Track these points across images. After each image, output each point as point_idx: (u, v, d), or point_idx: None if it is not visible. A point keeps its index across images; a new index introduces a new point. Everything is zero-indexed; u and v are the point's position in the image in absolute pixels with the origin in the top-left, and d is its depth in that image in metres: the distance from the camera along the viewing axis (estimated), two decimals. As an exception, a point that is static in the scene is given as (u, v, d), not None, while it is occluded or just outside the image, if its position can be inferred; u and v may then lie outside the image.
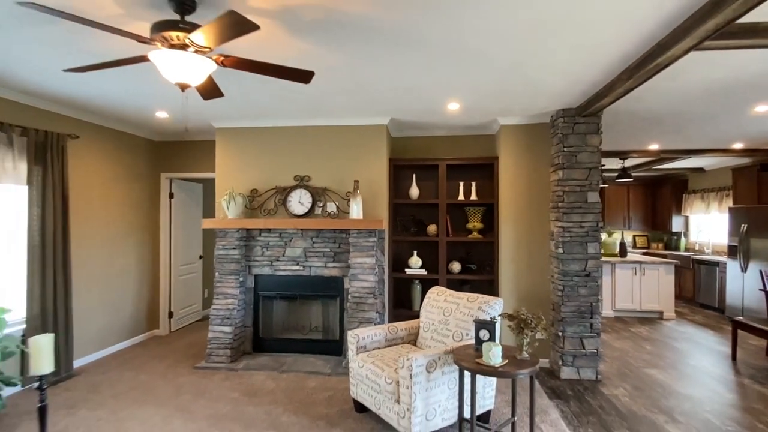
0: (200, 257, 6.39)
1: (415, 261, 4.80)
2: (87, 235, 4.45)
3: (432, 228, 4.84)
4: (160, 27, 1.94)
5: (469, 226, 4.79)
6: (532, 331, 2.57)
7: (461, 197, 4.79)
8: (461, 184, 4.83)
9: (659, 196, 8.96)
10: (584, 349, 3.95)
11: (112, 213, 4.81)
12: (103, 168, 4.68)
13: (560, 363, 3.98)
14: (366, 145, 4.57)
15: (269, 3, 2.09)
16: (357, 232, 4.32)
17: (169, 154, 5.59)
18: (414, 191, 4.83)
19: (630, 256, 7.01)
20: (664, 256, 8.09)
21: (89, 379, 3.95)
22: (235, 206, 4.47)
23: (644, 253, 8.71)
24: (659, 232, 9.28)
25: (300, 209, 4.57)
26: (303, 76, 2.35)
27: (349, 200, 4.49)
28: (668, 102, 3.80)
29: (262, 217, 4.65)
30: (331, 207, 4.55)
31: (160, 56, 1.97)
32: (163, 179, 5.57)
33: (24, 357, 3.65)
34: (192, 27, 1.93)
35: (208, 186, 6.64)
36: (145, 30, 2.36)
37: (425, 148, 5.07)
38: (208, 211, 6.66)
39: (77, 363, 4.30)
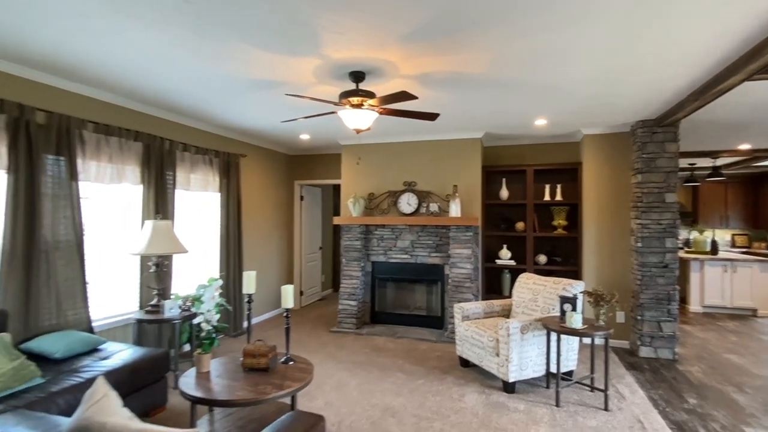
0: (320, 248, 7.76)
1: (505, 253, 5.60)
2: (250, 228, 5.90)
3: (520, 225, 5.60)
4: (347, 94, 3.04)
5: (555, 223, 5.47)
6: (606, 304, 3.30)
7: (547, 198, 5.49)
8: (547, 186, 5.52)
9: (762, 193, 8.67)
10: (662, 331, 4.49)
11: (265, 212, 6.25)
12: (259, 178, 6.12)
13: (638, 343, 4.56)
14: (463, 155, 5.47)
15: (414, 71, 3.10)
16: (456, 228, 5.24)
17: (300, 165, 6.97)
18: (504, 193, 5.63)
19: (722, 254, 7.08)
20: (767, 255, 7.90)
21: (256, 335, 5.34)
22: (358, 207, 5.64)
23: (744, 252, 8.52)
24: (762, 231, 8.95)
25: (408, 209, 5.61)
26: (431, 117, 3.33)
27: (448, 201, 5.42)
28: (745, 113, 4.20)
29: (378, 215, 5.77)
30: (434, 207, 5.52)
31: (346, 113, 3.07)
32: (296, 185, 6.97)
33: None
34: (368, 94, 3.01)
35: (326, 190, 8.00)
36: (328, 90, 3.51)
37: (514, 155, 5.84)
38: (326, 211, 8.01)
39: (245, 324, 5.76)
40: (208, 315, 2.72)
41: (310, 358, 4.42)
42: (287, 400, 3.07)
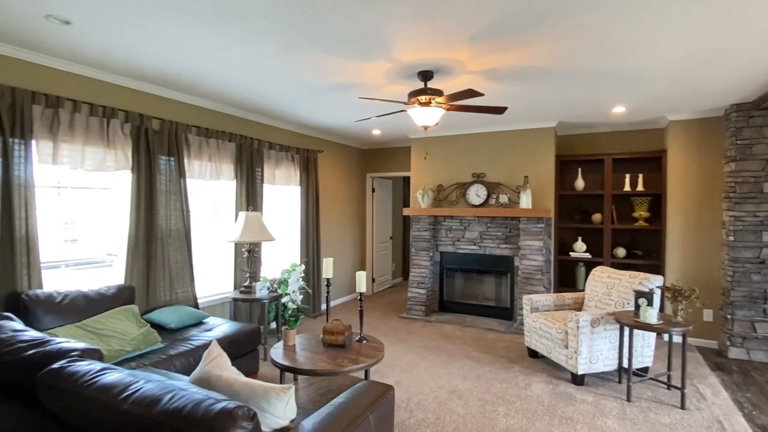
0: (390, 238, 8.05)
1: (580, 246, 5.44)
2: (327, 219, 6.33)
3: (597, 216, 5.40)
4: (416, 93, 3.21)
5: (635, 214, 5.21)
6: (685, 300, 3.17)
7: (627, 188, 5.23)
8: (627, 176, 5.25)
9: None
10: (755, 332, 4.14)
11: (340, 204, 6.65)
12: (335, 172, 6.53)
13: (728, 344, 4.25)
14: (535, 145, 5.39)
15: (481, 67, 3.19)
16: (526, 219, 5.21)
17: (372, 158, 7.28)
18: (579, 183, 5.46)
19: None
20: None
21: (335, 316, 5.77)
22: (427, 198, 5.80)
23: None
24: None
25: (477, 200, 5.66)
26: (499, 111, 3.39)
27: (519, 192, 5.39)
28: None
29: (446, 206, 5.89)
30: (503, 198, 5.52)
31: (415, 111, 3.25)
32: (368, 178, 7.30)
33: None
34: (435, 92, 3.16)
35: (396, 182, 8.26)
36: (398, 90, 3.71)
37: (590, 144, 5.62)
38: (396, 202, 8.28)
39: (322, 307, 6.23)
40: (293, 296, 3.08)
41: (383, 340, 4.72)
42: (361, 375, 3.38)
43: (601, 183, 5.46)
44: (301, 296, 3.77)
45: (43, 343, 1.96)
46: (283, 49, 2.86)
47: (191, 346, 3.14)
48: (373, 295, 7.28)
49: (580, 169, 5.54)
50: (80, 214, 3.42)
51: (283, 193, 5.50)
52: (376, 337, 4.84)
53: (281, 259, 5.42)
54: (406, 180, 8.70)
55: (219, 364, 1.78)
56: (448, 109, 3.35)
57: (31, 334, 2.07)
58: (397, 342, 4.68)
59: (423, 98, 3.19)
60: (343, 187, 6.76)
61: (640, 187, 5.16)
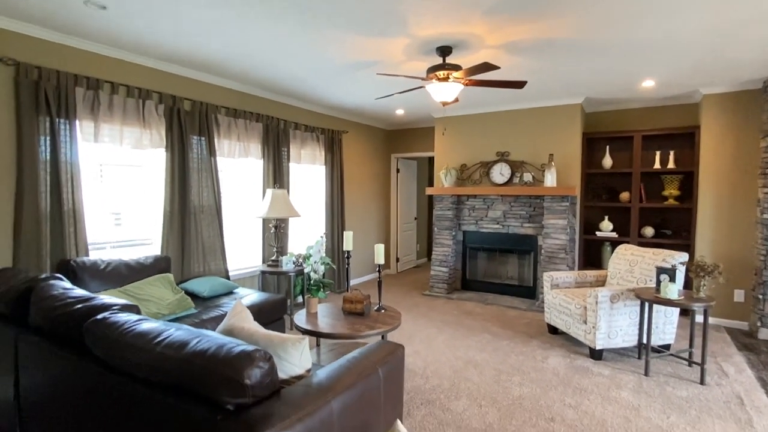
0: (415, 219, 8.13)
1: (606, 225, 5.35)
2: (351, 199, 6.47)
3: (624, 195, 5.28)
4: (434, 69, 3.25)
5: (665, 193, 5.06)
6: (708, 275, 3.12)
7: (657, 166, 5.08)
8: (657, 153, 5.10)
9: None
10: (789, 312, 4.01)
11: (364, 184, 6.77)
12: (359, 152, 6.63)
13: (759, 324, 4.13)
14: (560, 123, 5.30)
15: (498, 41, 3.18)
16: (551, 198, 5.16)
17: (396, 139, 7.33)
18: (607, 161, 5.34)
19: None
20: None
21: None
22: (450, 178, 5.83)
23: None
24: None
25: (500, 179, 5.64)
26: (518, 85, 3.38)
27: (543, 171, 5.33)
28: None
29: (470, 186, 5.90)
30: (527, 177, 5.48)
31: (433, 87, 3.29)
32: (392, 158, 7.37)
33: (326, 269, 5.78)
34: (453, 67, 3.18)
35: (421, 162, 8.29)
36: (417, 66, 3.75)
37: (619, 120, 5.47)
38: (421, 182, 8.33)
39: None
40: (315, 266, 3.23)
41: (404, 315, 4.85)
42: (379, 339, 3.52)
43: (630, 161, 5.33)
44: (324, 268, 3.93)
45: (89, 299, 2.18)
46: (303, 28, 2.95)
47: (222, 312, 3.36)
48: (398, 274, 7.41)
49: (608, 147, 5.41)
50: (120, 193, 3.67)
51: (308, 173, 5.66)
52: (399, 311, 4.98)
53: (308, 236, 5.61)
54: (431, 160, 8.71)
55: (242, 318, 1.95)
56: (466, 84, 3.37)
57: (79, 291, 2.30)
58: (418, 316, 4.80)
59: (441, 73, 3.23)
60: (367, 167, 6.86)
61: (671, 165, 5.01)
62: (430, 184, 8.73)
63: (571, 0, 2.51)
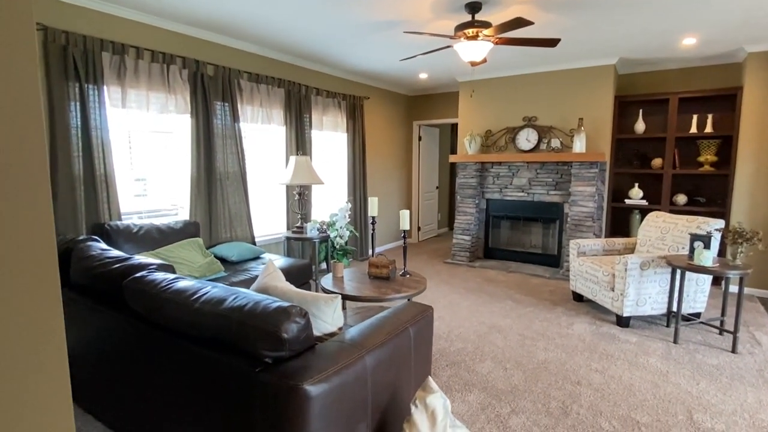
0: (436, 188, 8.06)
1: (636, 192, 5.19)
2: (373, 167, 6.42)
3: (657, 161, 5.09)
4: (462, 27, 3.12)
5: (701, 159, 4.85)
6: (747, 242, 3.01)
7: (693, 130, 4.85)
8: (695, 117, 4.85)
9: None
10: (829, 282, 3.86)
11: (386, 151, 6.70)
12: (381, 119, 6.53)
13: (795, 294, 4.01)
14: (591, 85, 5.07)
15: (531, -4, 3.02)
16: (579, 164, 5.02)
17: (418, 105, 7.18)
18: (640, 126, 5.12)
19: None
20: None
21: (380, 261, 5.99)
22: (474, 144, 5.71)
23: None
24: None
25: (527, 145, 5.50)
26: (551, 43, 3.23)
27: (572, 136, 5.16)
28: None
29: (495, 152, 5.78)
30: (555, 143, 5.32)
31: (461, 46, 3.17)
32: (414, 125, 7.25)
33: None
34: (483, 24, 3.05)
35: (443, 130, 8.14)
36: (445, 25, 3.61)
37: (654, 82, 5.20)
38: (443, 151, 8.20)
39: (369, 252, 6.47)
40: (341, 231, 3.25)
41: (427, 282, 4.86)
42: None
43: (664, 125, 5.10)
44: (349, 234, 3.95)
45: (126, 259, 2.25)
46: (328, -16, 2.85)
47: (251, 275, 3.44)
48: (419, 242, 7.42)
49: (641, 111, 5.18)
50: (147, 159, 3.72)
51: (330, 140, 5.62)
52: (420, 278, 5.01)
53: (330, 202, 5.64)
54: (454, 127, 8.52)
55: (275, 277, 1.98)
56: (496, 43, 3.23)
57: (116, 252, 2.37)
58: (441, 283, 4.83)
59: (470, 31, 3.10)
60: (389, 134, 6.77)
61: (708, 129, 4.77)
62: (453, 152, 8.58)
63: (614, -54, 2.34)
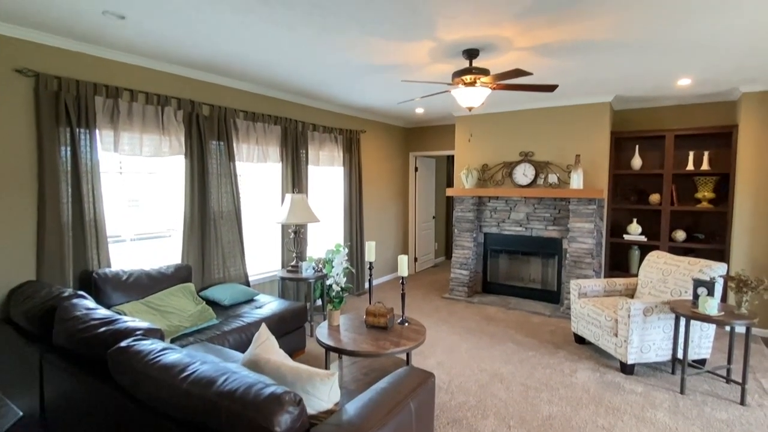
0: (433, 217, 8.01)
1: (635, 228, 5.16)
2: (370, 198, 6.37)
3: (654, 197, 5.07)
4: (460, 73, 3.11)
5: (698, 195, 4.84)
6: (752, 291, 2.95)
7: (690, 167, 4.85)
8: (691, 153, 4.86)
9: None
10: (834, 325, 3.80)
11: (383, 182, 6.67)
12: (377, 151, 6.52)
13: (800, 336, 3.93)
14: (588, 122, 5.09)
15: (530, 42, 3.02)
16: (577, 200, 4.99)
17: (415, 137, 7.19)
18: (636, 162, 5.12)
19: None
20: None
21: (378, 296, 5.88)
22: (471, 178, 5.68)
23: None
24: None
25: (524, 180, 5.48)
26: (549, 89, 3.22)
27: (569, 172, 5.14)
28: None
29: (492, 187, 5.75)
30: (552, 178, 5.30)
31: (459, 92, 3.15)
32: (411, 156, 7.24)
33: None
34: (481, 71, 3.04)
35: (440, 161, 8.15)
36: (442, 69, 3.61)
37: (650, 119, 5.23)
38: (440, 181, 8.19)
39: (365, 286, 6.35)
40: (338, 278, 3.16)
41: (424, 321, 4.77)
42: (403, 356, 3.45)
43: (661, 161, 5.11)
44: (345, 278, 3.86)
45: (113, 321, 2.14)
46: (327, 32, 2.84)
47: (243, 323, 3.32)
48: (416, 274, 7.32)
49: (637, 147, 5.19)
50: (140, 199, 3.64)
51: (327, 174, 5.58)
52: (418, 317, 4.90)
53: (326, 238, 5.55)
54: (450, 158, 8.54)
55: (268, 347, 1.88)
56: (494, 89, 3.22)
57: (102, 312, 2.27)
58: (440, 322, 4.71)
59: (468, 78, 3.08)
60: (385, 166, 6.75)
61: (705, 166, 4.78)
62: (449, 182, 8.57)
63: (610, 2, 2.35)
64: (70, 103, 3.00)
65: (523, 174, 5.47)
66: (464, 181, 5.73)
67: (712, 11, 2.47)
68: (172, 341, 2.93)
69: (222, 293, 3.74)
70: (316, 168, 5.33)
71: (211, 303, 3.74)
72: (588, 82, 4.22)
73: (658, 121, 5.19)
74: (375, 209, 6.52)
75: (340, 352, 2.74)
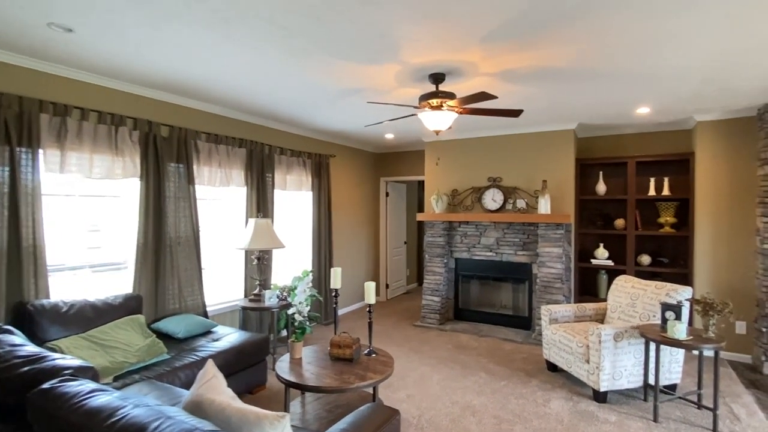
0: (404, 243, 7.92)
1: (601, 252, 5.21)
2: (339, 224, 6.24)
3: (619, 222, 5.16)
4: (426, 97, 3.08)
5: (661, 220, 4.95)
6: (717, 314, 2.95)
7: (652, 192, 4.98)
8: (652, 180, 5.00)
9: None
10: (795, 347, 3.86)
11: (353, 208, 6.56)
12: (347, 176, 6.44)
13: (763, 359, 3.98)
14: (553, 149, 5.19)
15: (495, 68, 3.04)
16: (545, 225, 5.01)
17: (385, 162, 7.17)
18: (601, 187, 5.23)
19: None
20: None
21: (345, 325, 5.67)
22: (441, 203, 5.65)
23: None
24: None
25: (493, 205, 5.49)
26: (514, 114, 3.24)
27: (537, 197, 5.19)
28: None
29: (461, 212, 5.73)
30: (521, 203, 5.33)
31: (426, 115, 3.12)
32: (382, 182, 7.19)
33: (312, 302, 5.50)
34: (447, 95, 3.02)
35: (410, 186, 8.14)
36: (409, 93, 3.60)
37: (612, 146, 5.39)
38: (411, 206, 8.16)
39: (335, 314, 6.13)
40: (300, 307, 2.98)
41: (395, 351, 4.59)
42: (370, 390, 3.26)
43: (624, 187, 5.23)
44: (309, 306, 3.69)
45: (39, 359, 1.90)
46: (291, 53, 2.77)
47: (197, 358, 3.07)
48: (387, 301, 7.15)
49: (601, 173, 5.31)
50: (90, 222, 3.40)
51: (294, 199, 5.43)
52: (388, 347, 4.72)
53: (294, 265, 5.35)
54: (421, 184, 8.55)
55: (213, 386, 1.69)
56: (460, 113, 3.21)
57: (29, 349, 2.02)
58: (410, 352, 4.55)
59: (434, 102, 3.06)
60: (356, 191, 6.66)
61: (665, 192, 4.91)
62: (420, 207, 8.56)
63: (577, 30, 2.38)
64: (11, 120, 2.78)
65: (492, 199, 5.49)
66: (434, 206, 5.69)
67: (669, 46, 2.55)
68: (116, 379, 2.66)
69: (176, 325, 3.48)
70: (283, 192, 5.18)
71: (164, 336, 3.47)
72: (553, 110, 4.30)
73: (620, 148, 5.34)
74: (345, 235, 6.38)
75: (300, 388, 2.54)
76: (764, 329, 3.98)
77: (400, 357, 4.39)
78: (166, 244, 3.74)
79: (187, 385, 2.90)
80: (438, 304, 5.62)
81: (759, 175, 4.16)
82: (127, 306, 3.28)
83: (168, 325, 3.50)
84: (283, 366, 2.84)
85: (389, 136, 5.84)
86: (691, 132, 4.92)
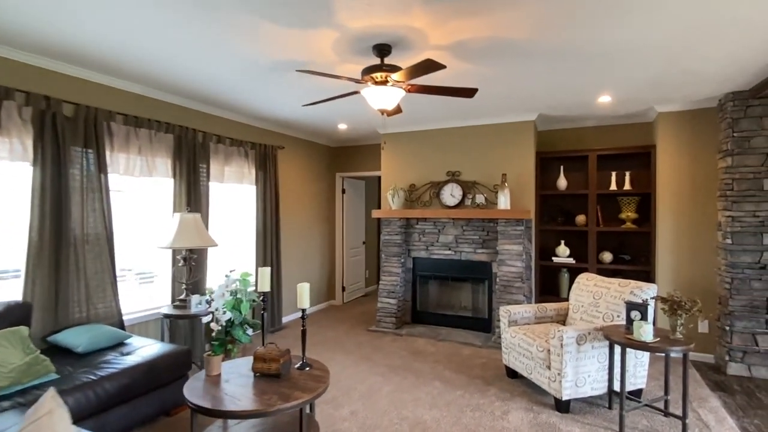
0: (363, 243, 7.51)
1: (563, 250, 4.99)
2: (290, 222, 5.76)
3: (581, 218, 4.96)
4: (369, 70, 2.70)
5: (622, 216, 4.78)
6: (686, 313, 2.71)
7: (613, 187, 4.80)
8: (613, 174, 4.82)
9: None
10: (757, 346, 3.72)
11: (305, 206, 6.10)
12: (299, 170, 5.97)
13: (727, 358, 3.82)
14: (513, 141, 4.93)
15: (445, 39, 2.69)
16: (505, 222, 4.73)
17: (342, 157, 6.74)
18: (562, 182, 5.01)
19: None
20: None
21: (294, 332, 5.19)
22: (398, 199, 5.29)
23: None
24: None
25: (452, 201, 5.17)
26: (468, 93, 2.90)
27: (497, 192, 4.91)
28: None
29: (419, 208, 5.39)
30: (480, 199, 5.04)
31: (369, 91, 2.73)
32: (338, 178, 6.76)
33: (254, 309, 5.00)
34: (392, 68, 2.65)
35: (370, 183, 7.74)
36: (352, 70, 3.20)
37: (573, 139, 5.19)
38: (369, 204, 7.76)
39: (284, 320, 5.64)
40: (218, 314, 2.51)
41: (343, 360, 4.17)
42: (306, 408, 2.82)
43: (585, 182, 5.03)
44: (240, 311, 3.22)
45: None
46: (203, 8, 2.31)
47: (95, 377, 2.55)
48: (344, 305, 6.71)
49: (562, 167, 5.10)
50: (-37, 216, 2.81)
51: (234, 193, 4.92)
52: (336, 356, 4.29)
53: (235, 266, 4.84)
54: (380, 180, 8.17)
55: (48, 425, 1.22)
56: (409, 90, 2.84)
57: None
58: (361, 361, 4.13)
59: (378, 76, 2.68)
60: (309, 187, 6.20)
61: (627, 186, 4.74)
62: (380, 205, 8.18)
63: (530, -15, 2.06)
64: None
65: (451, 194, 5.17)
66: (390, 201, 5.32)
67: (629, 18, 2.27)
68: (-25, 410, 2.11)
69: (77, 338, 2.93)
70: (221, 185, 4.66)
71: (62, 350, 2.92)
72: (511, 96, 4.02)
73: (581, 141, 5.15)
74: (297, 233, 5.91)
75: (207, 413, 2.08)
76: (727, 328, 3.82)
77: (348, 366, 3.97)
78: (69, 243, 3.17)
79: (78, 413, 2.38)
80: (394, 306, 5.25)
81: (720, 168, 4.03)
82: (9, 316, 2.71)
83: (67, 337, 2.94)
84: (195, 385, 2.36)
85: (342, 126, 5.42)
86: (652, 124, 4.78)
